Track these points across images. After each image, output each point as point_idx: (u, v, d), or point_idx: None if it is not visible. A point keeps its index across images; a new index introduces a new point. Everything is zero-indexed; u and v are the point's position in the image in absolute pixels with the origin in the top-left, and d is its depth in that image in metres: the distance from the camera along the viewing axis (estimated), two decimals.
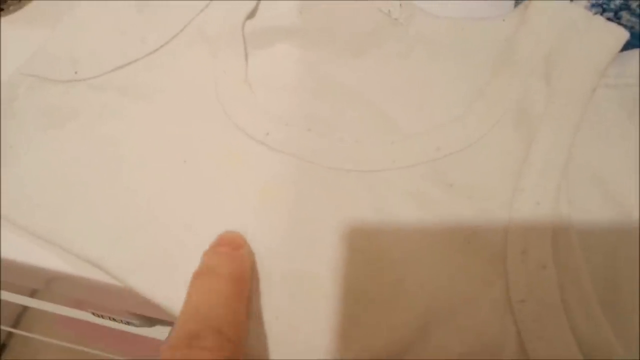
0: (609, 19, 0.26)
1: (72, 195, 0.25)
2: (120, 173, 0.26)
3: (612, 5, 0.27)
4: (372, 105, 0.27)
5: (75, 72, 0.28)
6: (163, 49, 0.29)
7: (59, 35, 0.29)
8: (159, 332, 0.45)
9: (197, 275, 0.21)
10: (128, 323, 0.45)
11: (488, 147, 0.24)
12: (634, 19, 0.27)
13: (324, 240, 0.24)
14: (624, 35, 0.25)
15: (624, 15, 0.27)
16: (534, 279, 0.21)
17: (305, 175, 0.25)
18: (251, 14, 0.29)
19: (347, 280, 0.23)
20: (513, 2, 0.32)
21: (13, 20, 0.33)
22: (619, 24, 0.26)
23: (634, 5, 0.27)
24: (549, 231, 0.22)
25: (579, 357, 0.20)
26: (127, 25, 0.29)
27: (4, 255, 0.26)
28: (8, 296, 0.49)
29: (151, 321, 0.44)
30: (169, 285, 0.23)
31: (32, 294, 0.55)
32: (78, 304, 0.48)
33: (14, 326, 0.71)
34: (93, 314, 0.47)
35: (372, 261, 0.23)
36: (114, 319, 0.46)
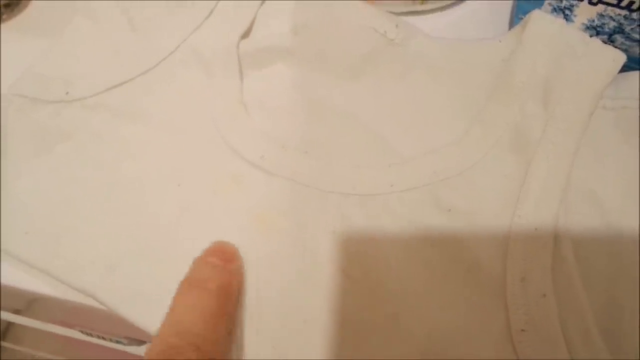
0: (603, 42, 0.26)
1: (63, 223, 0.25)
2: (113, 198, 0.25)
3: (606, 29, 0.27)
4: (369, 128, 0.27)
5: (67, 93, 0.27)
6: (157, 68, 0.28)
7: (50, 54, 0.29)
8: None
9: (184, 286, 0.21)
10: (117, 342, 0.45)
11: (485, 171, 0.24)
12: (628, 42, 0.27)
13: (320, 267, 0.23)
14: (621, 58, 0.25)
15: (618, 38, 0.27)
16: (534, 307, 0.21)
17: (301, 199, 0.25)
18: (245, 34, 0.29)
19: (344, 311, 0.22)
20: (507, 22, 0.32)
21: (8, 29, 0.33)
22: (613, 47, 0.26)
23: (627, 28, 0.27)
24: (548, 258, 0.22)
25: None
26: (120, 43, 0.29)
27: None
28: None
29: (140, 341, 0.43)
30: (163, 316, 0.22)
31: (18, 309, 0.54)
32: (66, 322, 0.47)
33: (2, 338, 0.70)
34: (81, 332, 0.47)
35: (369, 291, 0.23)
36: (102, 338, 0.45)
